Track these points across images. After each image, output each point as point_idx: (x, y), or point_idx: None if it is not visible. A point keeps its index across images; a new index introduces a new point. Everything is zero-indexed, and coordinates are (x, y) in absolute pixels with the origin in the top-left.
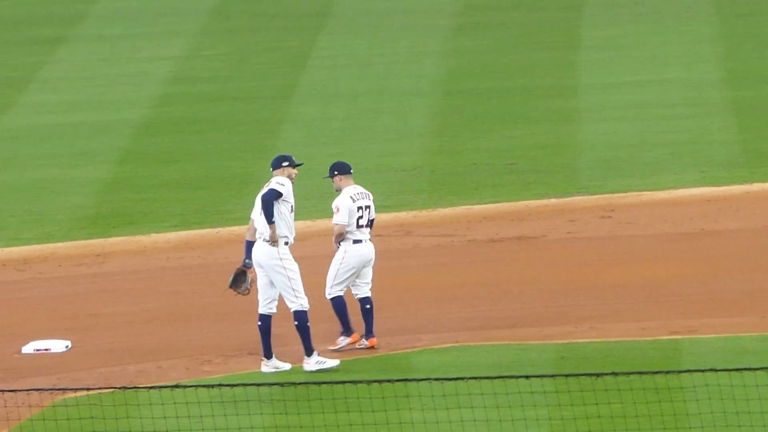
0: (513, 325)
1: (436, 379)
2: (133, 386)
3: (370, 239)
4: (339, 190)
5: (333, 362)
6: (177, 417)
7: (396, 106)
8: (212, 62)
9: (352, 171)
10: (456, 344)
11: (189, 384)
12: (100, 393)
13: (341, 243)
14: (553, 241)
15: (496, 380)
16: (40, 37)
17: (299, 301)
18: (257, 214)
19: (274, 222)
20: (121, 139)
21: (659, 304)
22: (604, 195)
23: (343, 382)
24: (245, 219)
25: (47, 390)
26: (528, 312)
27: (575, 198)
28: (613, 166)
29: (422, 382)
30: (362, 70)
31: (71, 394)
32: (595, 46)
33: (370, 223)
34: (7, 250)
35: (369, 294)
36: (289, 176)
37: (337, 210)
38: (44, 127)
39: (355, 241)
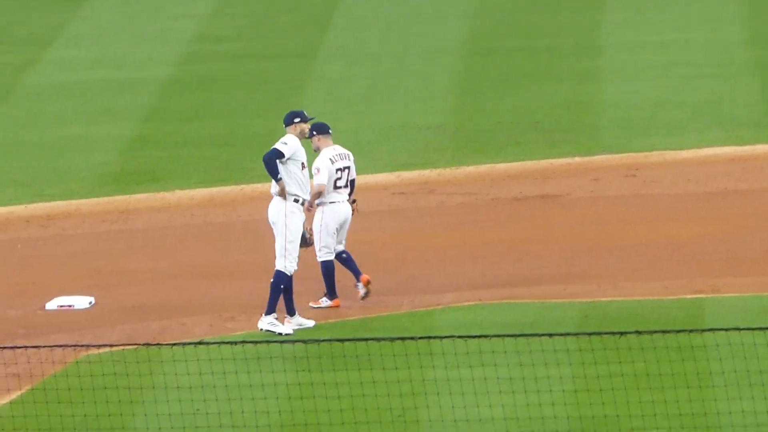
0: (536, 283)
1: (460, 337)
2: (156, 343)
3: (347, 200)
4: (318, 150)
5: (286, 328)
6: (200, 373)
7: (420, 65)
8: (236, 20)
9: (330, 131)
10: (479, 302)
11: (212, 341)
12: (123, 349)
13: (319, 204)
14: (577, 199)
15: (520, 338)
16: None
17: (285, 263)
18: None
19: (281, 179)
20: (145, 96)
21: (682, 263)
22: (628, 154)
23: (366, 339)
24: (268, 177)
25: (71, 346)
26: (551, 270)
27: (599, 157)
28: (636, 125)
29: (445, 339)
30: (386, 30)
31: (95, 351)
32: (619, 6)
33: (351, 185)
34: (31, 206)
35: (343, 247)
36: (301, 132)
37: (317, 171)
38: (68, 85)
39: (332, 202)
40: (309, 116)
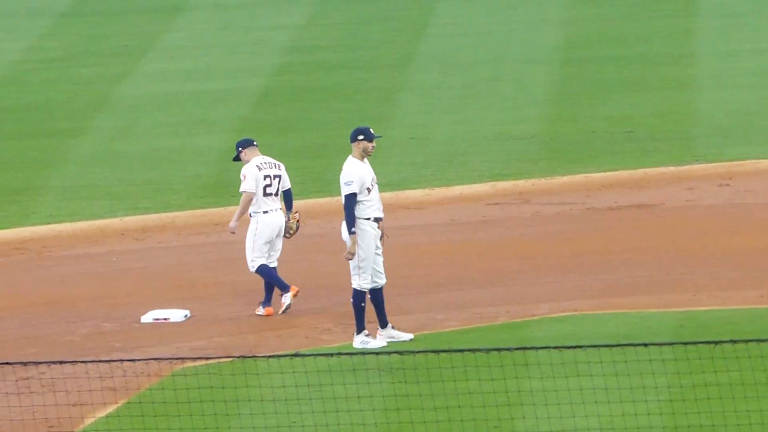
0: (632, 293)
1: (555, 348)
2: (252, 355)
3: (280, 209)
4: (247, 163)
5: (379, 342)
6: (296, 386)
7: (514, 74)
8: (330, 31)
9: (255, 143)
10: (575, 313)
11: (308, 353)
12: (219, 362)
13: (252, 215)
14: (672, 208)
15: (615, 348)
16: (159, 5)
17: (359, 281)
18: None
19: (354, 233)
20: (239, 107)
21: None
22: (722, 163)
23: (462, 351)
24: None
25: (166, 359)
26: (647, 280)
27: (693, 166)
28: (731, 134)
29: (541, 350)
30: (481, 39)
31: (190, 364)
32: (713, 13)
33: (288, 196)
34: (126, 219)
35: (275, 264)
36: (364, 150)
37: (244, 178)
38: (163, 96)
39: (265, 212)
40: (375, 134)
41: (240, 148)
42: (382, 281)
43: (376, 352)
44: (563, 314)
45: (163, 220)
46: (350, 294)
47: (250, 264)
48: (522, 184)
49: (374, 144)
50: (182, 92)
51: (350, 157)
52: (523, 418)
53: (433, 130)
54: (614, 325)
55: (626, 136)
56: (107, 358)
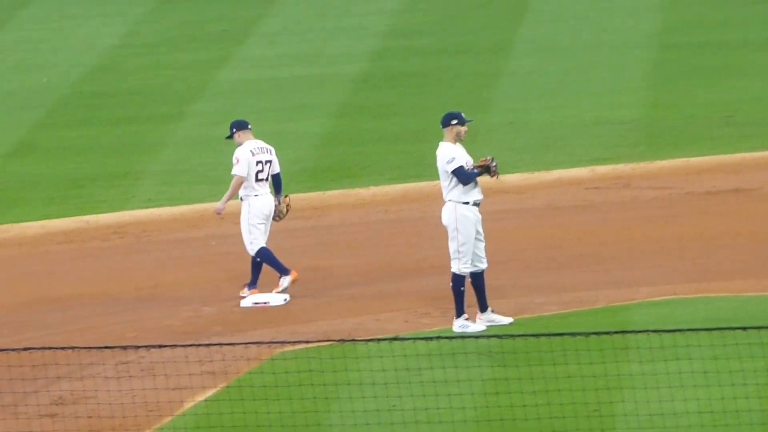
0: (730, 277)
1: (654, 331)
2: (351, 339)
3: (269, 193)
4: (240, 144)
5: (478, 326)
6: (395, 369)
7: (612, 59)
8: (429, 15)
9: (250, 127)
10: (674, 296)
11: (407, 336)
12: (318, 346)
13: (243, 198)
14: None
15: (714, 332)
16: None
17: (459, 265)
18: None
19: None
20: (338, 92)
21: None
22: None
23: (561, 334)
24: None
25: (266, 343)
26: (745, 264)
27: None
28: None
29: (640, 334)
30: (578, 24)
31: (290, 347)
32: None
33: (277, 180)
34: (228, 203)
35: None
36: (458, 134)
37: (237, 162)
38: (262, 81)
39: (256, 195)
40: (467, 119)
41: (234, 129)
42: (483, 265)
43: (476, 336)
44: (662, 298)
45: None
46: (450, 278)
47: (249, 247)
48: (621, 168)
49: (466, 128)
50: (281, 77)
51: (443, 142)
52: (623, 401)
53: (531, 115)
54: (713, 309)
55: (725, 121)
56: (207, 342)
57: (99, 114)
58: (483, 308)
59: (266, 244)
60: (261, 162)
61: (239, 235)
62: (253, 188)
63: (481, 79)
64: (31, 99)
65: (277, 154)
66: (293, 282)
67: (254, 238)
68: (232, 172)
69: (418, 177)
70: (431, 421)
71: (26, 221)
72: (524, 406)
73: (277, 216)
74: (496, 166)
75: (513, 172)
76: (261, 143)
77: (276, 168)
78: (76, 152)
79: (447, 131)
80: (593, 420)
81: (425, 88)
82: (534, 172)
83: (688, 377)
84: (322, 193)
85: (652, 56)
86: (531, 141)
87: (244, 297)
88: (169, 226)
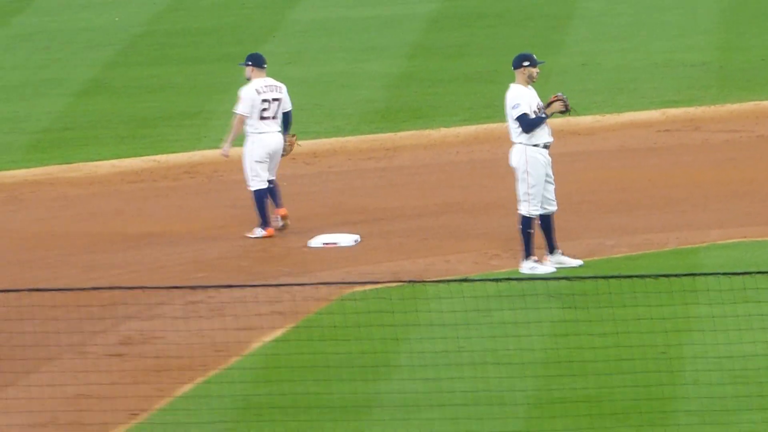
0: None
1: (724, 274)
2: (421, 280)
3: (279, 131)
4: (249, 79)
5: (547, 268)
6: (465, 311)
7: (684, 1)
8: None
9: (265, 65)
10: (744, 239)
11: (477, 278)
12: (388, 287)
13: (247, 135)
14: None
15: None
16: None
17: (528, 207)
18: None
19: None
20: (409, 33)
21: None
22: None
23: (631, 276)
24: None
25: (335, 284)
26: None
27: None
28: None
29: (710, 276)
30: None
31: (359, 288)
32: None
33: (286, 118)
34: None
35: (273, 177)
36: (529, 76)
37: (240, 100)
38: (332, 21)
39: (260, 132)
40: (539, 60)
41: (249, 63)
42: (552, 208)
43: (545, 278)
44: (732, 241)
45: (333, 145)
46: (518, 220)
47: (249, 183)
48: (692, 111)
49: (539, 69)
50: (352, 18)
51: (513, 84)
52: (691, 344)
53: (602, 57)
54: None
55: None
56: (276, 283)
57: (170, 53)
58: (552, 250)
59: (275, 175)
60: (267, 100)
61: (311, 175)
62: (257, 126)
63: (553, 21)
64: (102, 37)
65: (289, 93)
66: (266, 237)
67: (254, 175)
68: (234, 110)
69: (489, 118)
70: (500, 362)
71: (97, 160)
72: (593, 348)
73: (283, 152)
74: (566, 99)
75: (585, 114)
76: (270, 81)
77: (287, 106)
78: (147, 91)
79: (518, 73)
80: (661, 362)
81: (497, 29)
82: (605, 114)
83: (757, 320)
84: (392, 134)
85: None
86: (602, 83)
87: (255, 236)
88: (240, 166)
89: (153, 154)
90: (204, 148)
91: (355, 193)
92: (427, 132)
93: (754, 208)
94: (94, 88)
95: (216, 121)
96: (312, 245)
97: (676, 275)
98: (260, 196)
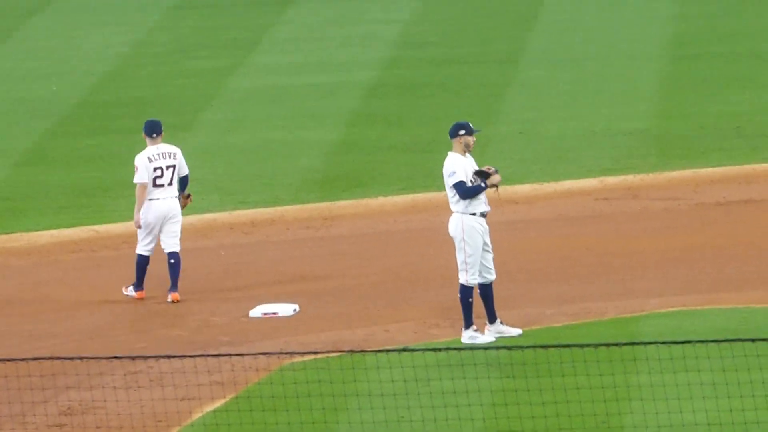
0: (740, 288)
1: (663, 343)
2: (360, 350)
3: (175, 197)
4: (142, 151)
5: (487, 337)
6: (405, 380)
7: (623, 69)
8: (440, 26)
9: (155, 134)
10: (683, 308)
11: (417, 347)
12: (327, 357)
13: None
14: None
15: (723, 344)
16: None
17: (466, 276)
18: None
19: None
20: (349, 101)
21: None
22: None
23: (571, 346)
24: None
25: (275, 354)
26: (755, 275)
27: None
28: None
29: (649, 345)
30: (589, 34)
31: (299, 358)
32: None
33: (182, 181)
34: (235, 213)
35: (174, 249)
36: (466, 145)
37: (137, 169)
38: (273, 89)
39: (151, 199)
40: (475, 128)
41: (144, 132)
42: (491, 277)
43: (485, 348)
44: (671, 309)
45: (272, 215)
46: (458, 289)
47: (138, 245)
48: (631, 179)
49: (474, 138)
50: (292, 85)
51: (451, 153)
52: (631, 413)
53: (541, 126)
54: (722, 321)
55: (735, 132)
56: (215, 353)
57: (109, 123)
58: (492, 319)
59: (178, 243)
60: (160, 168)
61: (250, 245)
62: (151, 193)
63: (492, 89)
64: (41, 108)
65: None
66: (137, 298)
67: (140, 240)
68: (134, 181)
69: (428, 187)
70: None
71: (36, 230)
72: (533, 417)
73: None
74: (496, 171)
75: (523, 183)
76: (163, 147)
77: (183, 171)
78: (87, 161)
79: (455, 142)
80: (602, 431)
81: (435, 97)
82: (544, 182)
83: (697, 389)
84: (331, 203)
85: (662, 67)
86: (541, 152)
87: (126, 294)
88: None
89: (92, 224)
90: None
91: (294, 262)
92: (365, 201)
93: (693, 276)
94: (33, 158)
95: None
96: (252, 315)
97: (615, 344)
98: (138, 261)
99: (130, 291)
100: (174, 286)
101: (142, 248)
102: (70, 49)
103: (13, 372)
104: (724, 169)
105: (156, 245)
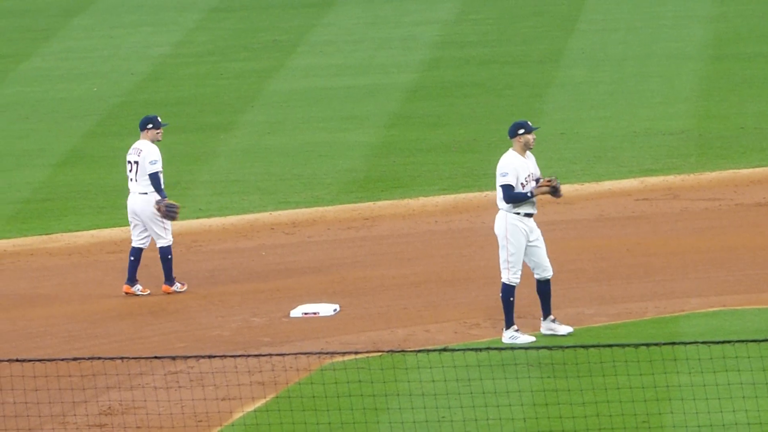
0: None
1: (704, 343)
2: (401, 350)
3: (140, 193)
4: None
5: (528, 338)
6: (445, 380)
7: (663, 70)
8: (480, 26)
9: (143, 128)
10: (723, 308)
11: (457, 347)
12: (368, 357)
13: None
14: None
15: (763, 343)
16: (309, 0)
17: (508, 275)
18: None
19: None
20: (389, 103)
21: None
22: None
23: (611, 346)
24: None
25: (315, 354)
26: None
27: None
28: None
29: (689, 345)
30: (629, 34)
31: (339, 358)
32: None
33: (152, 179)
34: (276, 213)
35: (137, 245)
36: (526, 143)
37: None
38: (313, 91)
39: (129, 193)
40: (534, 126)
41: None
42: (545, 274)
43: (525, 348)
44: (711, 309)
45: (313, 215)
46: (498, 288)
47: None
48: (671, 179)
49: (534, 136)
50: (332, 87)
51: (510, 150)
52: (671, 413)
53: (582, 126)
54: (762, 320)
55: None
56: (256, 353)
57: None
58: (545, 315)
59: (147, 242)
60: (130, 162)
61: (291, 245)
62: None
63: (533, 90)
64: (81, 108)
65: (146, 155)
66: (125, 293)
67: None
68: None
69: (469, 187)
70: None
71: (76, 231)
72: (573, 417)
73: (160, 213)
74: (559, 184)
75: (564, 183)
76: (138, 143)
77: (145, 169)
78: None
79: (515, 141)
80: (642, 431)
81: (476, 98)
82: (584, 183)
83: (737, 388)
84: (371, 203)
85: (702, 67)
86: (582, 152)
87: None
88: (219, 236)
89: None
90: (183, 218)
91: (335, 262)
92: (405, 201)
93: (733, 276)
94: (73, 159)
95: (195, 191)
96: (293, 315)
97: (656, 344)
98: (131, 252)
99: (177, 287)
100: (129, 280)
101: (133, 241)
102: (110, 49)
103: (54, 372)
104: (764, 169)
105: (152, 242)
